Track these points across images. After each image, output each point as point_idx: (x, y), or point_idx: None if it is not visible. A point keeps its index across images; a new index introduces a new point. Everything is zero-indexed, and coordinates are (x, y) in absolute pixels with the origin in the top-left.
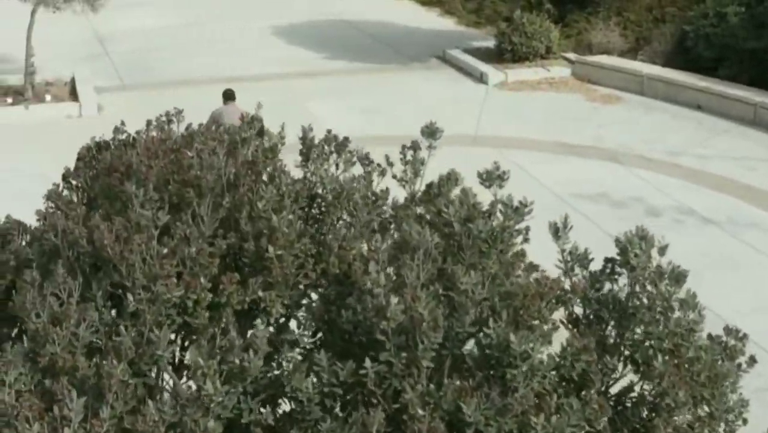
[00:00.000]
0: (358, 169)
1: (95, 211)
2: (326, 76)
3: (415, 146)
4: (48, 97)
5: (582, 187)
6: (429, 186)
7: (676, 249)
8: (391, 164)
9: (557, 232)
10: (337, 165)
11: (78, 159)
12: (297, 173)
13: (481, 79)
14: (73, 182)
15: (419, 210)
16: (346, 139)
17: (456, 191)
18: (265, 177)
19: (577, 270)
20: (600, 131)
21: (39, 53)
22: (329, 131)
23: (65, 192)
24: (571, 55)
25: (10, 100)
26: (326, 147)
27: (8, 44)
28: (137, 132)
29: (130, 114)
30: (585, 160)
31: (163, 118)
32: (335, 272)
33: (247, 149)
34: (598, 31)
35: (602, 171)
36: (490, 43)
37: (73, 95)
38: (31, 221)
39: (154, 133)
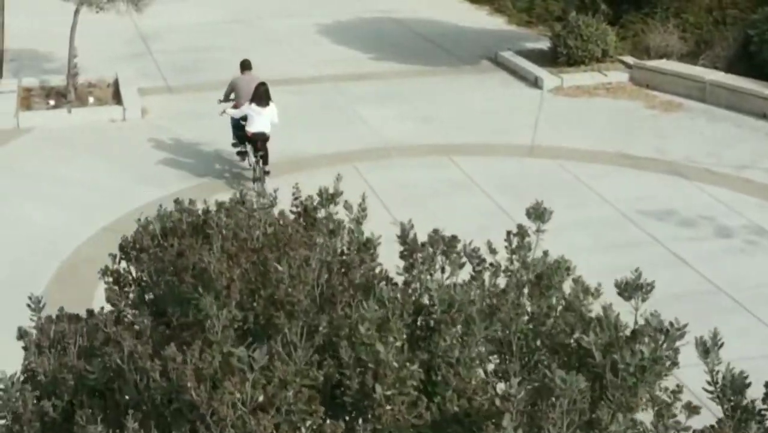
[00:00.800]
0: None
1: (162, 321)
2: (376, 79)
3: (522, 232)
4: (91, 100)
5: (646, 204)
6: (538, 278)
7: (750, 273)
8: (494, 251)
9: (706, 349)
10: (443, 268)
11: (140, 250)
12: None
13: (535, 83)
14: (132, 269)
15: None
16: (454, 238)
17: (568, 282)
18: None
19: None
20: (662, 142)
21: (81, 52)
22: (435, 232)
23: (123, 269)
24: (629, 59)
25: (52, 102)
26: (432, 249)
27: (51, 43)
28: (206, 211)
29: (175, 119)
30: (648, 174)
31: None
32: (454, 410)
33: (338, 243)
34: (656, 34)
35: (667, 186)
36: (543, 44)
37: (117, 97)
38: (80, 233)
39: (224, 218)
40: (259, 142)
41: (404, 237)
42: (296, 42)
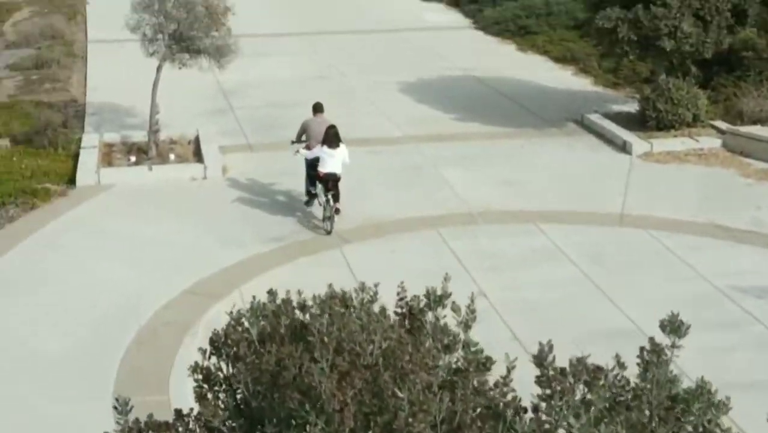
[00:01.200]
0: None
1: None
2: (460, 141)
3: (656, 349)
4: (172, 157)
5: (743, 279)
6: (673, 400)
7: None
8: (622, 366)
9: None
10: (584, 399)
11: (235, 358)
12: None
13: (623, 148)
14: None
15: None
16: (599, 369)
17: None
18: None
19: None
20: (759, 213)
21: (162, 107)
22: (579, 360)
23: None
24: (721, 124)
25: (133, 158)
26: (572, 379)
27: (131, 97)
28: (303, 305)
29: (256, 177)
30: (744, 247)
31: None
32: None
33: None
34: (749, 98)
35: (765, 260)
36: (631, 107)
37: (197, 155)
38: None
39: (331, 327)
40: (330, 182)
41: (541, 360)
42: (379, 100)
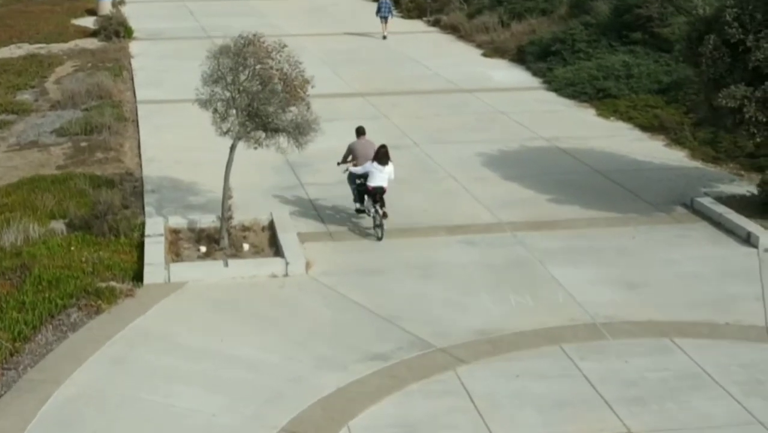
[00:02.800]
0: None
1: None
2: (562, 229)
3: None
4: (246, 247)
5: None
6: None
7: None
8: None
9: None
10: None
11: None
12: None
13: (747, 240)
14: None
15: None
16: None
17: None
18: None
19: None
20: None
21: (218, 178)
22: None
23: None
24: None
25: (203, 248)
26: None
27: (191, 169)
28: None
29: (343, 275)
30: None
31: None
32: None
33: None
34: None
35: None
36: (740, 187)
37: (273, 243)
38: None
39: None
40: (378, 194)
41: None
42: (460, 175)
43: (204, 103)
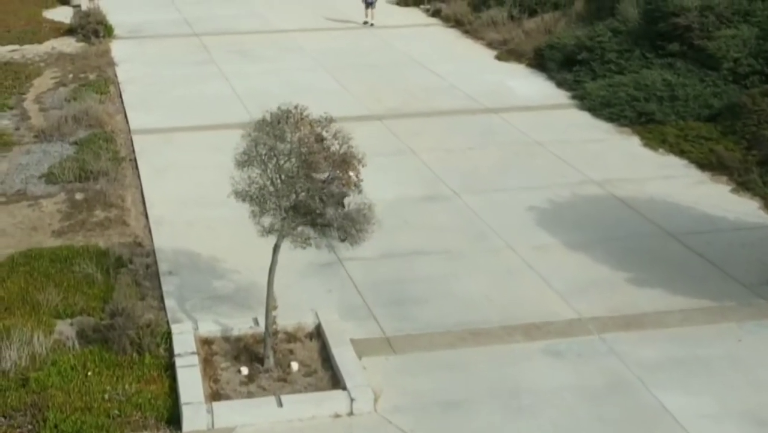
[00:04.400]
0: None
1: None
2: (655, 328)
3: None
4: (294, 367)
5: None
6: None
7: None
8: None
9: None
10: None
11: None
12: None
13: None
14: None
15: None
16: None
17: None
18: None
19: None
20: None
21: (249, 260)
22: None
23: None
24: None
25: (245, 370)
26: None
27: (208, 238)
28: None
29: (419, 412)
30: None
31: None
32: None
33: None
34: None
35: None
36: None
37: (325, 360)
38: None
39: None
40: None
41: None
42: (517, 243)
43: (244, 197)
